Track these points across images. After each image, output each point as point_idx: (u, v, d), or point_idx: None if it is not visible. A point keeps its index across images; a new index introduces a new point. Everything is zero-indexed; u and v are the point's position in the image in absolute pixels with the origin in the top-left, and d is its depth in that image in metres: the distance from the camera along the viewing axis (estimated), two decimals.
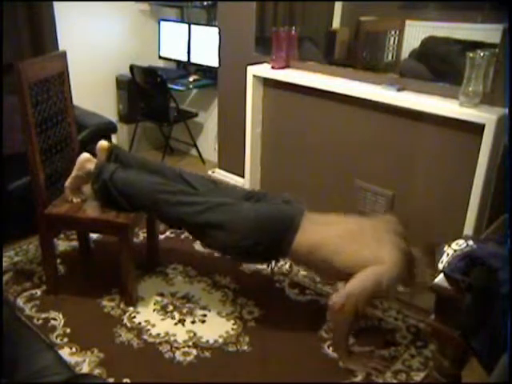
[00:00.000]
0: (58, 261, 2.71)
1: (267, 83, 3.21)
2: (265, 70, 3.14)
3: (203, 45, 3.93)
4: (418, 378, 2.08)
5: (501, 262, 1.47)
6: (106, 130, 3.24)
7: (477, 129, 2.29)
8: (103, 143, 2.47)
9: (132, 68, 3.95)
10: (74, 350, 2.16)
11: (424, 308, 2.35)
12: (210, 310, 2.44)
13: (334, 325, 2.14)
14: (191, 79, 4.02)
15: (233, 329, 2.33)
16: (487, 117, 2.25)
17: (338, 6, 3.02)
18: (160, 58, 4.32)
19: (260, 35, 3.29)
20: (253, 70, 3.17)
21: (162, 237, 2.97)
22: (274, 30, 3.02)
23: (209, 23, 3.99)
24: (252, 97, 3.21)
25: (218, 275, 2.70)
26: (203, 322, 2.37)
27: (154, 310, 2.43)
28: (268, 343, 2.25)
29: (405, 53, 2.77)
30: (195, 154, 4.36)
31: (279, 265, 2.74)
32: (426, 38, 2.67)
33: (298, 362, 2.15)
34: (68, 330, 2.28)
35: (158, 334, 2.27)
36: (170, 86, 3.90)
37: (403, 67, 2.78)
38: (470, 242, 1.60)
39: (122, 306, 2.44)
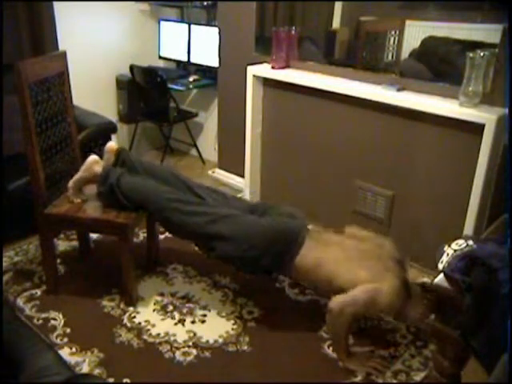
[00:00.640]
0: (58, 261, 2.71)
1: (267, 83, 3.21)
2: (265, 70, 3.14)
3: (203, 45, 3.93)
4: (418, 378, 2.07)
5: (501, 262, 1.47)
6: (106, 130, 3.24)
7: (477, 129, 2.29)
8: (112, 145, 2.47)
9: (132, 68, 3.95)
10: (73, 350, 2.16)
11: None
12: (210, 310, 2.44)
13: (332, 328, 2.14)
14: (191, 79, 4.02)
15: (233, 329, 2.33)
16: (487, 117, 2.25)
17: (338, 6, 3.02)
18: (160, 57, 4.32)
19: (260, 35, 3.29)
20: (253, 70, 3.18)
21: (161, 237, 2.97)
22: (274, 29, 3.03)
23: (209, 23, 3.99)
24: (252, 97, 3.21)
25: (217, 275, 2.70)
26: (203, 322, 2.37)
27: (153, 310, 2.43)
28: (268, 343, 2.25)
29: (405, 53, 2.77)
30: (195, 154, 4.36)
31: None
32: (425, 38, 2.67)
33: (297, 362, 2.15)
34: (68, 330, 2.27)
35: (158, 334, 2.27)
36: (170, 86, 3.90)
37: (403, 67, 2.79)
38: (470, 242, 1.60)
39: (122, 306, 2.44)
